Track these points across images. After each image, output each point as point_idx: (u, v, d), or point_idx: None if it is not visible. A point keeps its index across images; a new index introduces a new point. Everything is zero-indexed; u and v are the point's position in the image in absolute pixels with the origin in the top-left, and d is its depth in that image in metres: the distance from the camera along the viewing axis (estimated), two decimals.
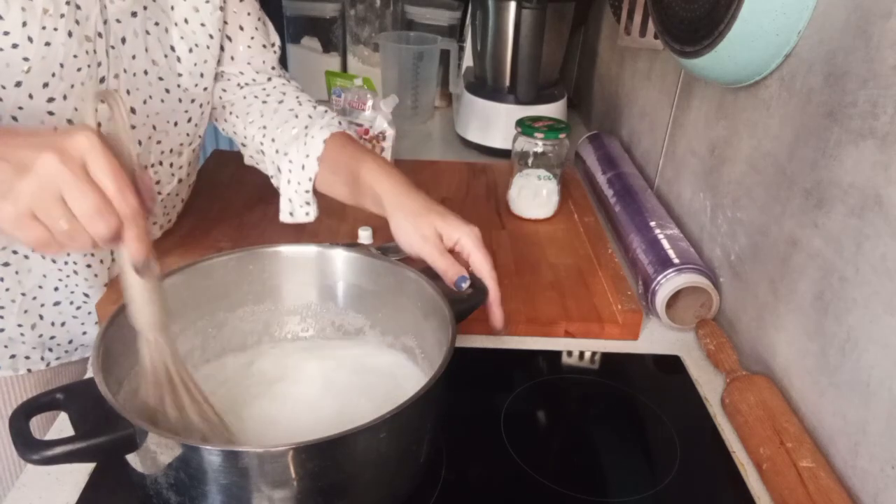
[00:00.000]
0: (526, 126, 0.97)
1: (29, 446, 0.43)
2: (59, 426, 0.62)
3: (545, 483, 0.59)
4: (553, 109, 1.24)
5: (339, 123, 0.78)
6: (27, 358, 0.75)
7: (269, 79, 0.84)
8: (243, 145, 0.85)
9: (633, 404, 0.69)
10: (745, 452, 0.63)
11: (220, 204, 0.97)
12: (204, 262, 0.61)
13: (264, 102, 0.82)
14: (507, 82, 1.27)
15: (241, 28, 0.79)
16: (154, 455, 0.45)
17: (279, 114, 0.81)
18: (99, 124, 0.45)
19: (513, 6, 1.18)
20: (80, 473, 0.56)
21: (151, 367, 0.50)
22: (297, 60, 1.55)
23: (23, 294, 0.72)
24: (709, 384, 0.72)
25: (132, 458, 0.47)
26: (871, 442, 0.54)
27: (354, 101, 1.07)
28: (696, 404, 0.69)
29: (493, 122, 1.25)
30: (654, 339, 0.79)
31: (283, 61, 1.51)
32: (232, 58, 0.80)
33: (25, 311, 0.73)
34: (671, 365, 0.75)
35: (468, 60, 1.39)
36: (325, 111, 0.81)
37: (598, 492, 0.58)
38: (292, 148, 0.77)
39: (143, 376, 0.51)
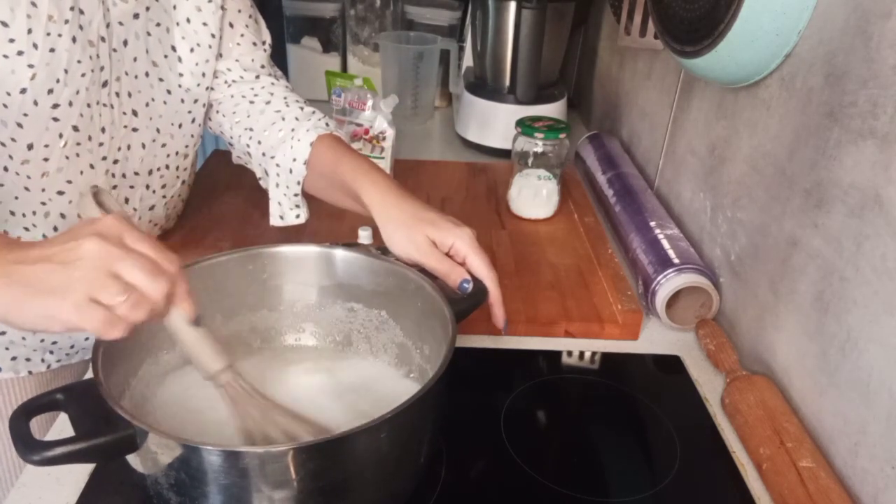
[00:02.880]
0: (526, 126, 0.97)
1: (29, 447, 0.43)
2: (60, 426, 0.62)
3: (545, 483, 0.59)
4: (553, 109, 1.24)
5: (327, 125, 0.77)
6: (28, 360, 0.75)
7: (258, 77, 0.83)
8: (231, 145, 0.85)
9: (633, 404, 0.69)
10: (745, 452, 0.63)
11: (220, 204, 0.97)
12: (204, 262, 0.61)
13: (251, 103, 0.81)
14: (507, 82, 1.26)
15: (231, 25, 0.78)
16: (154, 455, 0.45)
17: (265, 115, 0.80)
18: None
19: (513, 6, 1.18)
20: (80, 473, 0.56)
21: (234, 405, 0.52)
22: (297, 60, 1.55)
23: None
24: (709, 384, 0.72)
25: (132, 459, 0.47)
26: (871, 442, 0.54)
27: (354, 101, 1.06)
28: (696, 404, 0.69)
29: (493, 122, 1.25)
30: (654, 339, 0.79)
31: (283, 61, 1.52)
32: (220, 54, 0.79)
33: None
34: (671, 365, 0.75)
35: (468, 60, 1.39)
36: (313, 112, 0.80)
37: (598, 492, 0.58)
38: (279, 151, 0.76)
39: (234, 418, 0.52)
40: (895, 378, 0.52)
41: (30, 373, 0.76)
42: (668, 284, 0.77)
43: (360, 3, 1.50)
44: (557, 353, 0.75)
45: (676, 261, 0.79)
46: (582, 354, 0.76)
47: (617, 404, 0.70)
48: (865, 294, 0.55)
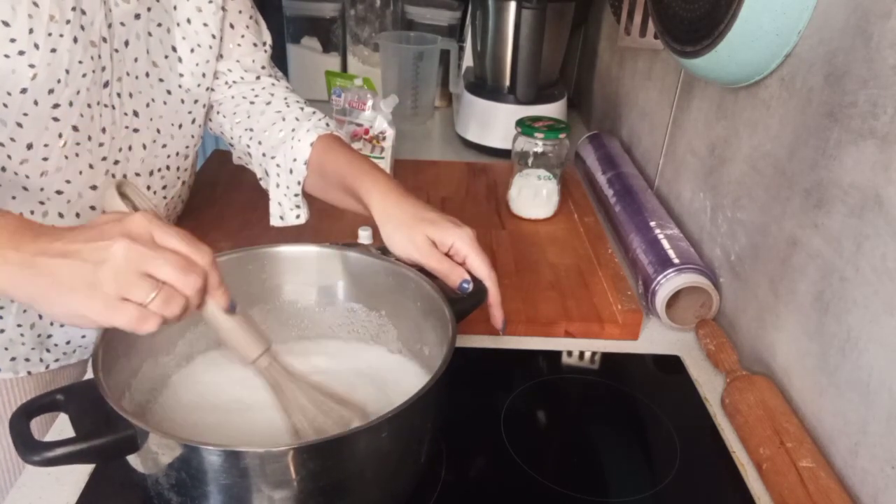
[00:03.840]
0: (526, 126, 0.97)
1: (29, 447, 0.43)
2: (60, 427, 0.62)
3: (545, 483, 0.59)
4: (553, 109, 1.24)
5: (327, 125, 0.77)
6: (27, 360, 0.75)
7: (258, 78, 0.83)
8: (231, 145, 0.85)
9: (633, 404, 0.69)
10: (745, 452, 0.63)
11: (220, 204, 0.97)
12: None
13: (252, 103, 0.81)
14: (507, 82, 1.27)
15: (232, 26, 0.78)
16: (155, 456, 0.45)
17: (266, 116, 0.80)
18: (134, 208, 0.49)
19: (513, 6, 1.18)
20: (80, 473, 0.56)
21: (276, 389, 0.54)
22: (297, 60, 1.55)
23: None
24: (709, 384, 0.72)
25: (133, 459, 0.47)
26: (871, 442, 0.54)
27: (354, 101, 1.06)
28: (696, 404, 0.69)
29: (493, 122, 1.25)
30: (654, 339, 0.79)
31: (283, 61, 1.52)
32: (221, 55, 0.79)
33: (24, 311, 0.72)
34: (671, 365, 0.75)
35: (468, 60, 1.39)
36: (314, 112, 0.80)
37: (598, 492, 0.58)
38: (279, 151, 0.76)
39: (280, 402, 0.54)
40: (895, 378, 0.52)
41: (29, 373, 0.76)
42: (668, 284, 0.77)
43: (360, 3, 1.50)
44: (557, 353, 0.75)
45: (676, 261, 0.79)
46: (582, 354, 0.76)
47: (617, 404, 0.70)
48: (865, 294, 0.55)
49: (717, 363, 0.72)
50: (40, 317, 0.74)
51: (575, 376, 0.73)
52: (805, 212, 0.64)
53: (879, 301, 0.53)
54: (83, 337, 0.79)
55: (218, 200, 0.98)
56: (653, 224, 0.88)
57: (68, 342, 0.78)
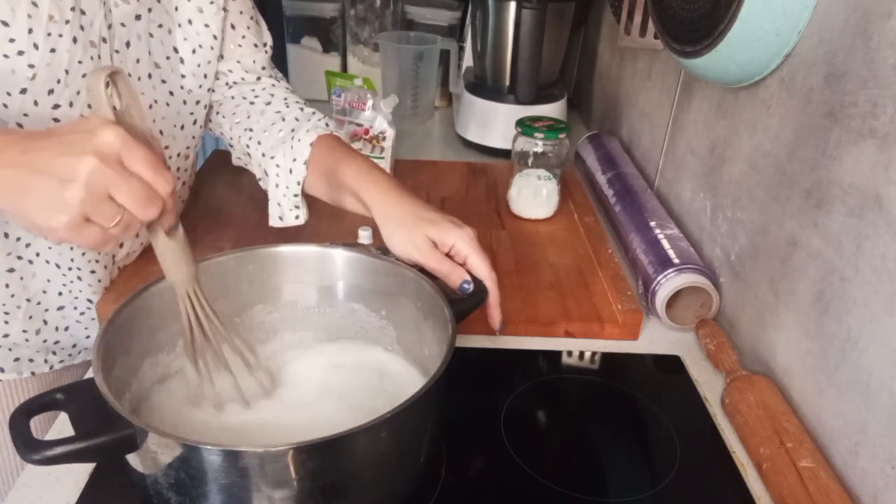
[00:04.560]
0: (526, 126, 0.97)
1: (29, 446, 0.43)
2: (60, 426, 0.62)
3: (545, 483, 0.59)
4: (553, 109, 1.24)
5: (327, 125, 0.78)
6: (31, 361, 0.75)
7: (259, 78, 0.83)
8: (231, 146, 0.85)
9: (633, 404, 0.69)
10: (745, 452, 0.63)
11: (220, 204, 0.97)
12: (203, 262, 0.61)
13: (252, 104, 0.81)
14: (507, 82, 1.27)
15: (233, 27, 0.79)
16: (154, 455, 0.45)
17: (266, 116, 0.80)
18: (114, 107, 0.48)
19: (513, 6, 1.18)
20: (80, 473, 0.56)
21: (188, 321, 0.55)
22: (297, 60, 1.55)
23: (27, 300, 0.71)
24: (709, 384, 0.72)
25: (132, 458, 0.47)
26: (871, 442, 0.54)
27: (354, 101, 1.06)
28: (696, 404, 0.69)
29: (493, 122, 1.25)
30: (654, 339, 0.79)
31: (283, 61, 1.52)
32: (221, 56, 0.79)
33: (30, 317, 0.72)
34: (671, 365, 0.75)
35: (468, 60, 1.39)
36: (313, 113, 0.80)
37: (598, 492, 0.58)
38: (279, 151, 0.76)
39: (183, 335, 0.55)
40: (895, 378, 0.52)
41: (32, 374, 0.76)
42: (668, 284, 0.77)
43: (360, 3, 1.50)
44: (557, 353, 0.75)
45: (676, 261, 0.79)
46: (582, 354, 0.76)
47: (617, 404, 0.70)
48: (865, 294, 0.55)
49: (717, 363, 0.72)
50: (45, 322, 0.74)
51: (575, 376, 0.73)
52: (805, 212, 0.64)
53: (879, 301, 0.53)
54: (88, 338, 0.79)
55: (218, 200, 0.98)
56: (653, 224, 0.88)
57: (74, 346, 0.78)
